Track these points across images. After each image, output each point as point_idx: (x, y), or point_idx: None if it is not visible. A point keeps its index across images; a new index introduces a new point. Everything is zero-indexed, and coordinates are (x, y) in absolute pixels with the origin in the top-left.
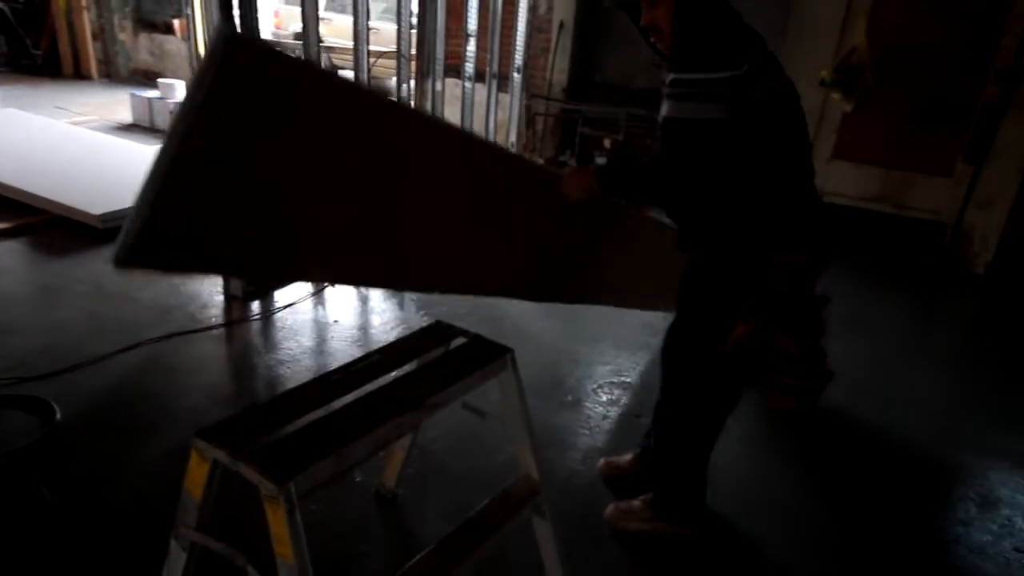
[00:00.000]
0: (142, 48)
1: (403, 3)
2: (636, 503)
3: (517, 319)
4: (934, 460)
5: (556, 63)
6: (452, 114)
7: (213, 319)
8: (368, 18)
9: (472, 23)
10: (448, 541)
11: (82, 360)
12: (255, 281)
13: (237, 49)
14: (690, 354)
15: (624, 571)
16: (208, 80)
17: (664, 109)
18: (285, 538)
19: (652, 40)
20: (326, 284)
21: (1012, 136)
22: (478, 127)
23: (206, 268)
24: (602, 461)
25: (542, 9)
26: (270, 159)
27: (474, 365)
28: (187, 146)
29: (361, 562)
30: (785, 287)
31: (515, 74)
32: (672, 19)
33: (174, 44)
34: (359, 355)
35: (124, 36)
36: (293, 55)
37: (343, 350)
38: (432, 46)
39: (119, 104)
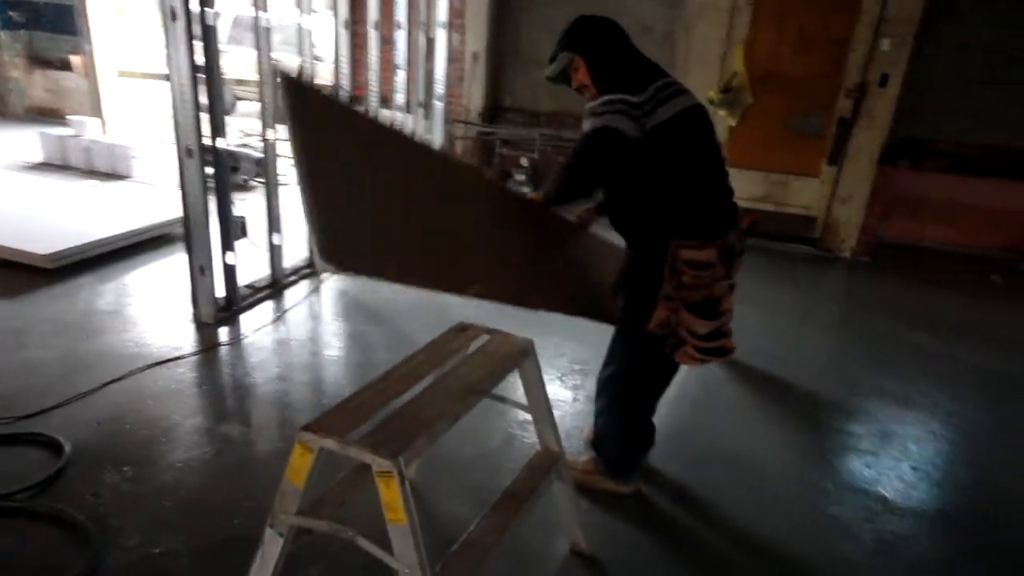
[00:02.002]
0: (37, 85)
1: (303, 35)
2: (583, 458)
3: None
4: (826, 399)
5: (472, 90)
6: None
7: (188, 347)
8: (271, 50)
9: (400, 55)
10: (497, 506)
11: (72, 395)
12: (226, 309)
13: (299, 91)
14: (632, 333)
15: (624, 530)
16: (289, 121)
17: (585, 126)
18: (398, 505)
19: (586, 96)
20: (286, 309)
21: (863, 141)
22: None
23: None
24: (586, 429)
25: (455, 42)
26: (356, 176)
27: (505, 355)
28: (302, 169)
29: None
30: (692, 277)
31: (437, 102)
32: (590, 74)
33: (73, 80)
34: (330, 366)
35: (17, 73)
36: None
37: (310, 363)
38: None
39: (23, 142)
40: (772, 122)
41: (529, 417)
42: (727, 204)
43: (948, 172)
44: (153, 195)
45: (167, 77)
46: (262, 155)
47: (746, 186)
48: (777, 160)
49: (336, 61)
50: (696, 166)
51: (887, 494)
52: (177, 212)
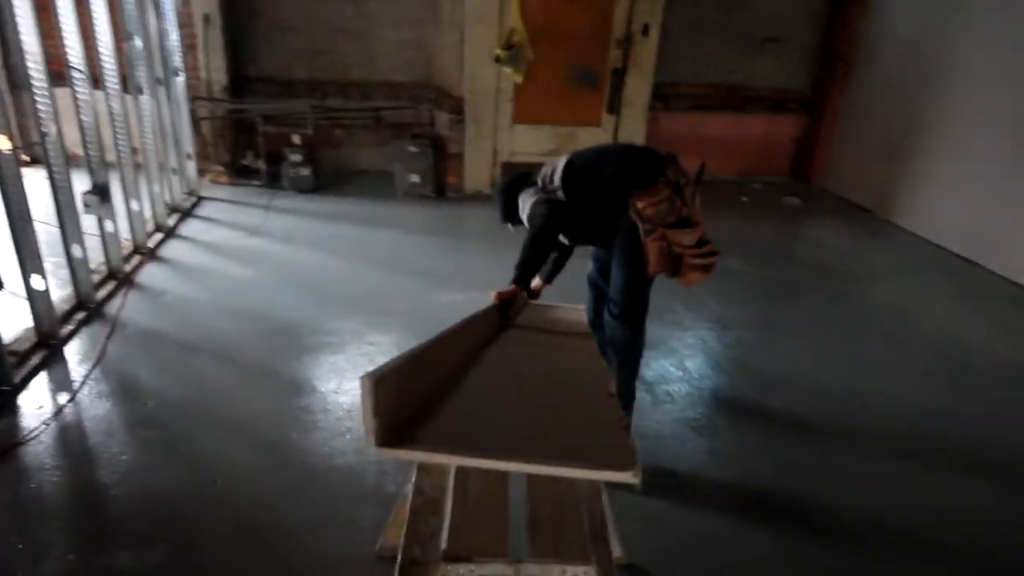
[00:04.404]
0: None
1: None
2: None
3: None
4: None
5: (210, 60)
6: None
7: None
8: None
9: (101, 19)
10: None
11: None
12: None
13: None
14: (642, 288)
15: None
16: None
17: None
18: None
19: None
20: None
21: (634, 89)
22: (135, 143)
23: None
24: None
25: (178, 3)
26: None
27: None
28: None
29: None
30: (653, 208)
31: (176, 78)
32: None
33: None
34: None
35: None
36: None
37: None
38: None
39: None
40: (554, 76)
41: None
42: (645, 157)
43: (691, 111)
44: None
45: None
46: None
47: (537, 141)
48: (562, 113)
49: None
50: (609, 159)
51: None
52: None
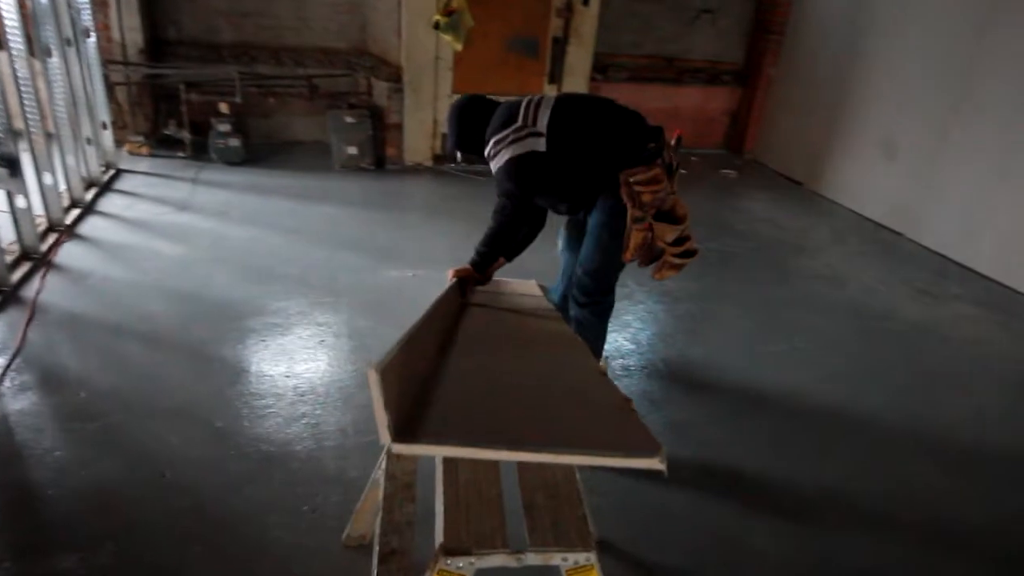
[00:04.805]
0: None
1: None
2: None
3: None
4: None
5: (124, 20)
6: None
7: None
8: None
9: None
10: None
11: None
12: None
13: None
14: (612, 268)
15: None
16: None
17: (499, 161)
18: None
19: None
20: None
21: (575, 58)
22: (45, 111)
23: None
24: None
25: None
26: None
27: None
28: None
29: None
30: (650, 194)
31: (88, 39)
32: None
33: None
34: None
35: None
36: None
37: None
38: None
39: None
40: (495, 45)
41: None
42: (646, 131)
43: (629, 82)
44: None
45: None
46: None
47: None
48: (504, 82)
49: None
50: (603, 116)
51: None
52: None
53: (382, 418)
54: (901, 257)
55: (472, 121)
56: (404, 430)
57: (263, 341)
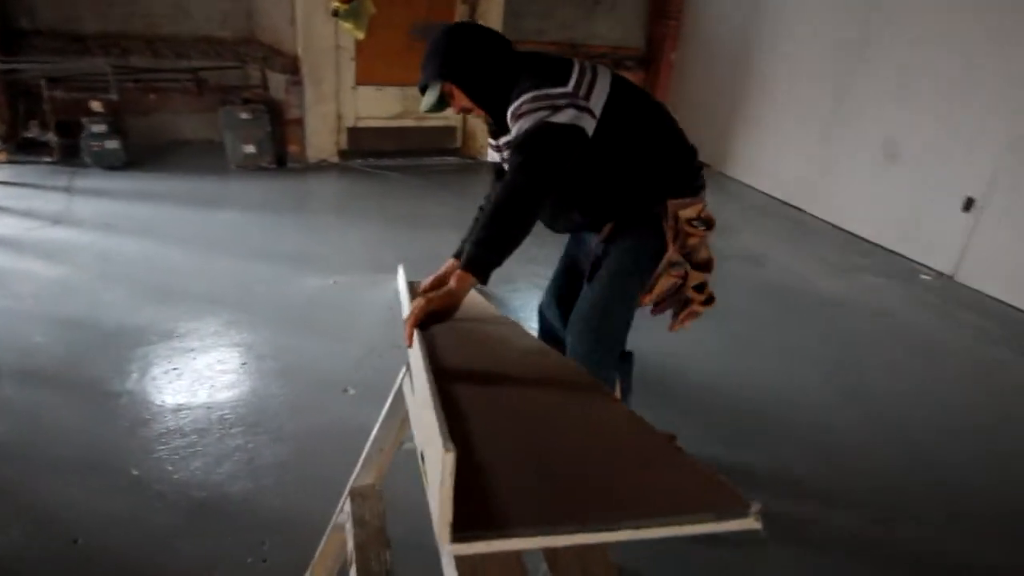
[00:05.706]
0: None
1: None
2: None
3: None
4: None
5: None
6: None
7: None
8: None
9: None
10: None
11: None
12: None
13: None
14: (627, 308)
15: None
16: None
17: (529, 121)
18: None
19: (476, 116)
20: None
21: None
22: None
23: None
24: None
25: None
26: None
27: None
28: None
29: None
30: (697, 237)
31: None
32: (472, 96)
33: None
34: None
35: None
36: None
37: None
38: None
39: None
40: (397, 34)
41: None
42: (694, 155)
43: None
44: None
45: None
46: None
47: (383, 104)
48: (410, 73)
49: None
50: (659, 124)
51: None
52: None
53: (445, 514)
54: (807, 233)
55: (476, 48)
56: (463, 523)
57: (175, 369)
